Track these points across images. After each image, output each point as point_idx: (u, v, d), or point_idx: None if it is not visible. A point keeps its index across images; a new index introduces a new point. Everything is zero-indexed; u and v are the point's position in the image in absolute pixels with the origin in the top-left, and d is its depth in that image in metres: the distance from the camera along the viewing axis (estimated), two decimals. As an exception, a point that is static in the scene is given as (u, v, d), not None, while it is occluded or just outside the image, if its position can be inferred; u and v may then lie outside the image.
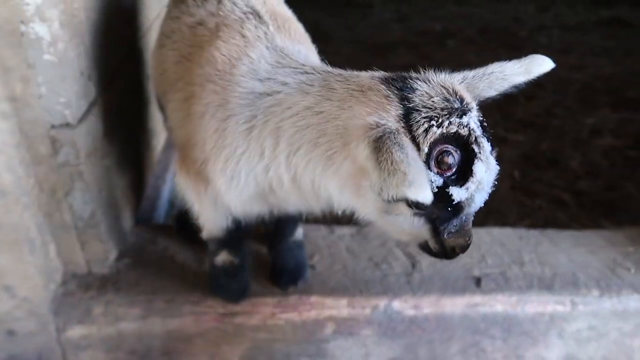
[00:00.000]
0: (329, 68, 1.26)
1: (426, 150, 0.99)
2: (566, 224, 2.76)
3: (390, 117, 1.00)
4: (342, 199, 1.19)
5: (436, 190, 0.99)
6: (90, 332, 1.69)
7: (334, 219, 2.08)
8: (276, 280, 1.75)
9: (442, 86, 1.04)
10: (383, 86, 1.06)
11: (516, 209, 2.94)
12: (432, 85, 1.04)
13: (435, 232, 1.10)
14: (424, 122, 1.00)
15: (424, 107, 1.01)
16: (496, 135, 3.70)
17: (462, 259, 1.92)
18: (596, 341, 1.88)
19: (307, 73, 1.22)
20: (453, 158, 1.00)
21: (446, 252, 1.14)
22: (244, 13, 1.39)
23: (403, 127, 1.00)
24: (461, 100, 1.03)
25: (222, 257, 1.65)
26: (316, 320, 1.75)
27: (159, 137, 2.34)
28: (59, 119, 1.43)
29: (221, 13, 1.41)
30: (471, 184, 1.01)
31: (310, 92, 1.17)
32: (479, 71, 1.13)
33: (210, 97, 1.32)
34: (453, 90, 1.04)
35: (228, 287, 1.71)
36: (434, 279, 1.83)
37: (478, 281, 1.82)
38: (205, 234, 1.59)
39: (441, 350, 1.85)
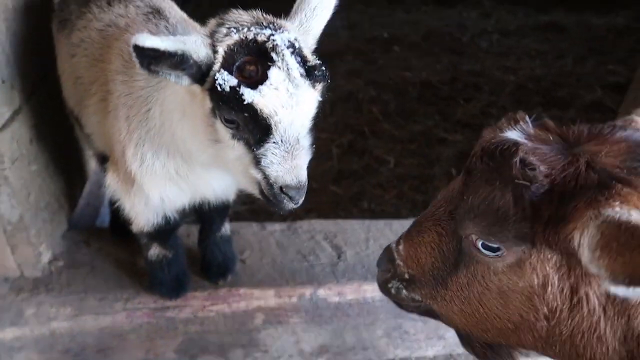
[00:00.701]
0: None
1: (222, 51, 1.07)
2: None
3: (203, 35, 1.11)
4: (195, 144, 1.24)
5: (229, 89, 1.04)
6: (23, 333, 1.73)
7: (266, 217, 2.18)
8: (206, 273, 1.84)
9: (258, 16, 1.13)
10: (215, 20, 1.16)
11: (453, 204, 3.11)
12: (250, 14, 1.14)
13: (256, 160, 1.10)
14: (226, 30, 1.10)
15: (232, 21, 1.11)
16: (436, 136, 3.86)
17: (384, 247, 2.06)
18: (509, 318, 2.03)
19: None
20: (255, 69, 1.05)
21: (275, 194, 1.12)
22: (147, 13, 1.51)
23: (208, 35, 1.10)
24: (273, 23, 1.11)
25: (155, 251, 1.73)
26: (246, 311, 1.84)
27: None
28: (-19, 125, 1.49)
29: (129, 15, 1.52)
30: (265, 88, 1.04)
31: None
32: (307, 11, 1.20)
33: (120, 88, 1.42)
34: (269, 19, 1.13)
35: (164, 282, 1.78)
36: (357, 267, 1.95)
37: (398, 267, 1.95)
38: (134, 228, 1.67)
39: (367, 335, 1.96)
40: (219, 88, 1.05)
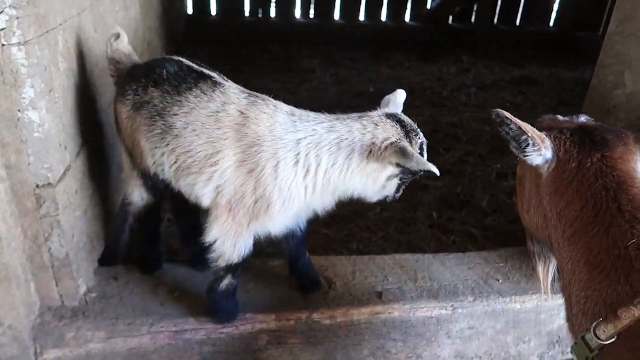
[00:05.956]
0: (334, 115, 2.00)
1: (417, 146, 1.85)
2: (474, 253, 3.26)
3: (398, 135, 1.82)
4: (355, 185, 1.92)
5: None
6: (63, 353, 2.04)
7: (266, 254, 2.54)
8: (305, 289, 2.31)
9: (409, 121, 1.89)
10: (389, 120, 1.85)
11: (434, 244, 3.43)
12: (405, 118, 1.89)
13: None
14: (412, 135, 1.85)
15: (410, 129, 1.85)
16: (419, 182, 4.23)
17: (368, 278, 2.41)
18: (477, 339, 2.36)
19: (324, 122, 1.95)
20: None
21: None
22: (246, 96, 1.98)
23: (404, 138, 1.83)
24: (413, 126, 1.89)
25: (227, 281, 2.05)
26: (251, 333, 2.16)
27: (119, 194, 2.79)
28: (43, 180, 1.87)
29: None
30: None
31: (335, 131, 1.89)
32: (393, 106, 2.00)
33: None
34: (411, 123, 1.88)
35: (225, 308, 2.13)
36: (345, 295, 2.29)
37: (380, 295, 2.30)
38: (222, 263, 1.99)
39: (355, 354, 2.28)
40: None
